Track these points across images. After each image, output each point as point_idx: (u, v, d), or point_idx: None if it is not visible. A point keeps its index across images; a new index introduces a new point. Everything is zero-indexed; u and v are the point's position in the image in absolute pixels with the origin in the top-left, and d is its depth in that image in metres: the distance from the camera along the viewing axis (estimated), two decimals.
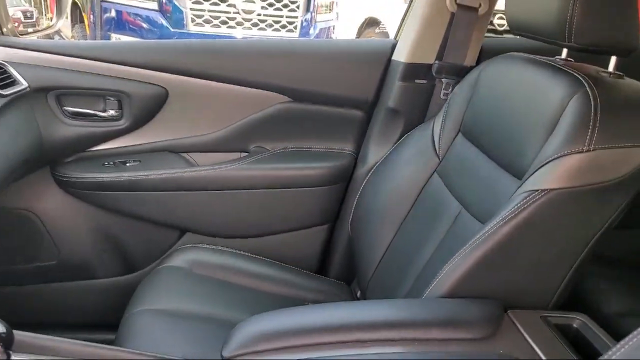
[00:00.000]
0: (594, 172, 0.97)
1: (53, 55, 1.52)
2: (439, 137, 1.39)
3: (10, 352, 0.76)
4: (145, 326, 1.21)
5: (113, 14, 4.69)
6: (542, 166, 1.00)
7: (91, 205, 1.63)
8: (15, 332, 0.74)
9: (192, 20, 4.62)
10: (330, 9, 5.50)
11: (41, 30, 1.86)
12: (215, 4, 4.64)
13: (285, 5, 4.89)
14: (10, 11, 1.76)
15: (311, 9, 5.10)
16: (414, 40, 1.58)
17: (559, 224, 0.99)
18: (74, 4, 4.27)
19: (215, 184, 1.62)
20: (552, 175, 0.99)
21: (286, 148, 1.71)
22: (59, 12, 1.81)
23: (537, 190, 0.98)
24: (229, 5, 4.67)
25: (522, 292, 1.02)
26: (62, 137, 1.57)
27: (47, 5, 2.01)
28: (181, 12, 4.58)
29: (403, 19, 1.65)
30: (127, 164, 1.61)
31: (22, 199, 1.61)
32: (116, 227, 1.65)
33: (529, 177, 1.02)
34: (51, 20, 1.90)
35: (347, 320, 0.93)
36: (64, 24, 2.59)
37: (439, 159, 1.38)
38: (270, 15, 4.86)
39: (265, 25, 4.84)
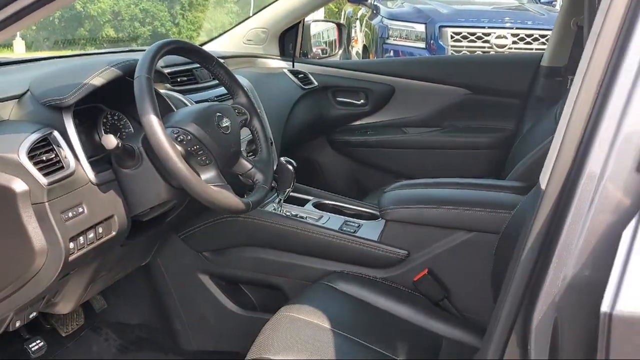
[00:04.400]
0: None
1: (333, 68, 2.71)
2: (559, 114, 2.15)
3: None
4: None
5: (392, 53, 6.00)
6: None
7: (347, 157, 2.75)
8: None
9: None
10: None
11: (328, 56, 3.10)
12: (472, 41, 5.58)
13: (535, 39, 5.56)
14: (315, 49, 3.04)
15: None
16: (552, 51, 2.35)
17: None
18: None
19: (419, 145, 2.60)
20: None
21: (468, 124, 2.60)
22: (340, 45, 3.03)
23: None
24: (484, 42, 5.56)
25: None
26: (334, 116, 2.73)
27: (335, 45, 3.27)
28: (444, 49, 5.64)
29: (549, 39, 2.43)
30: (368, 133, 2.70)
31: (310, 154, 2.80)
32: (359, 171, 2.74)
33: None
34: (335, 50, 3.13)
35: (448, 180, 1.84)
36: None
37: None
38: (521, 49, 5.59)
39: None
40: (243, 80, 2.07)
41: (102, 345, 1.95)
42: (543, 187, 0.82)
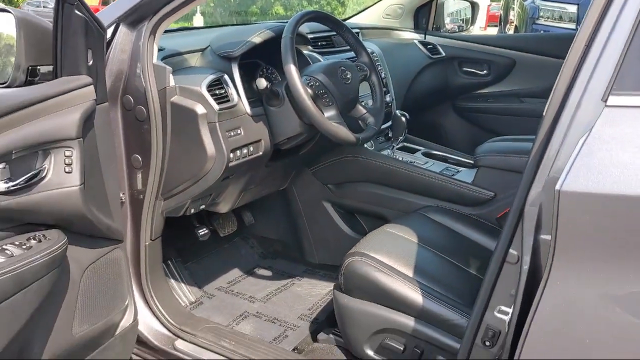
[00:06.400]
0: None
1: (461, 41, 3.02)
2: None
3: None
4: None
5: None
6: None
7: (468, 122, 3.05)
8: None
9: None
10: None
11: (463, 32, 3.40)
12: None
13: None
14: (450, 25, 3.36)
15: None
16: None
17: None
18: None
19: (535, 114, 2.81)
20: None
21: None
22: (473, 22, 3.31)
23: None
24: None
25: None
26: (458, 84, 3.04)
27: (470, 22, 3.56)
28: None
29: None
30: (489, 100, 2.99)
31: (436, 118, 3.14)
32: (479, 135, 3.02)
33: None
34: (468, 26, 3.42)
35: None
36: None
37: None
38: None
39: None
40: (373, 47, 2.49)
41: (248, 251, 2.50)
42: (544, 114, 1.13)
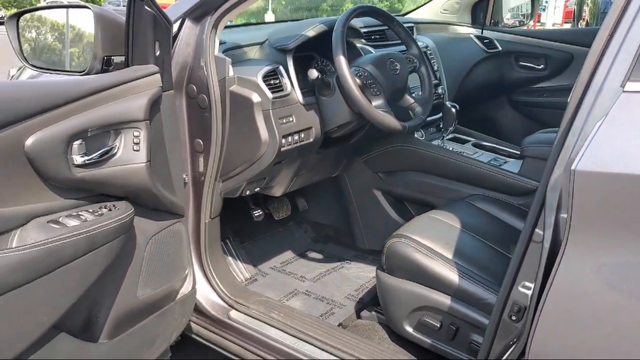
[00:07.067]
0: None
1: (518, 35, 3.03)
2: None
3: None
4: None
5: None
6: None
7: (523, 116, 3.07)
8: None
9: None
10: None
11: (523, 27, 3.41)
12: None
13: None
14: (510, 21, 3.38)
15: None
16: None
17: None
18: None
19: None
20: None
21: None
22: (532, 16, 3.31)
23: None
24: None
25: None
26: (514, 78, 3.06)
27: (530, 17, 3.55)
28: None
29: None
30: (545, 95, 2.99)
31: (491, 111, 3.17)
32: (533, 128, 3.02)
33: None
34: (528, 21, 3.42)
35: None
36: None
37: None
38: None
39: None
40: (427, 41, 2.56)
41: (301, 235, 2.63)
42: (568, 100, 1.19)
